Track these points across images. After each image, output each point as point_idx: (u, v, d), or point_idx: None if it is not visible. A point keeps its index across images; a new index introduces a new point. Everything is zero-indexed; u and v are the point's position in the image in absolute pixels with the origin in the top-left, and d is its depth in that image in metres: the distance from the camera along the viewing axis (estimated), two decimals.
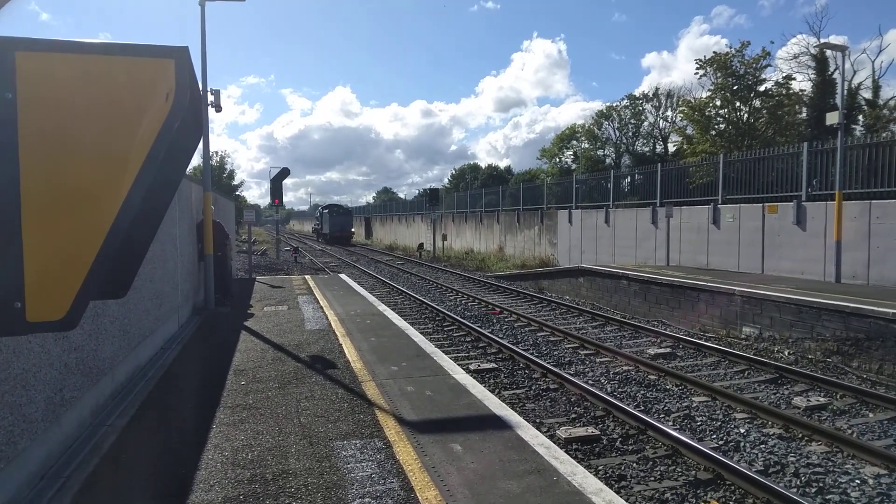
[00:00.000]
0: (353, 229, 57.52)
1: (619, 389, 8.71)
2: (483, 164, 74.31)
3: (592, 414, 7.59)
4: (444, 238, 37.63)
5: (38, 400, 4.23)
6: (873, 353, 9.65)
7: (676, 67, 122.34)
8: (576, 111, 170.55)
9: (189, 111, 1.51)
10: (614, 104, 52.27)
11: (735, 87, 33.63)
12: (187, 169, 1.99)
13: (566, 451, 5.62)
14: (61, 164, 1.38)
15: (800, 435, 6.80)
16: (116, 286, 1.71)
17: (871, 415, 7.61)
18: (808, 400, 8.01)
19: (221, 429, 5.34)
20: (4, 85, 1.33)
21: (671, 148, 45.85)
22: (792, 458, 6.16)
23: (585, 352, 11.07)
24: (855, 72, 33.02)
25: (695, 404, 7.95)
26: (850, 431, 7.01)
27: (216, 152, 53.99)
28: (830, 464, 6.05)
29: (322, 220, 60.51)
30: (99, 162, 1.40)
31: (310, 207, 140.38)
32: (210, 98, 13.09)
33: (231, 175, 56.12)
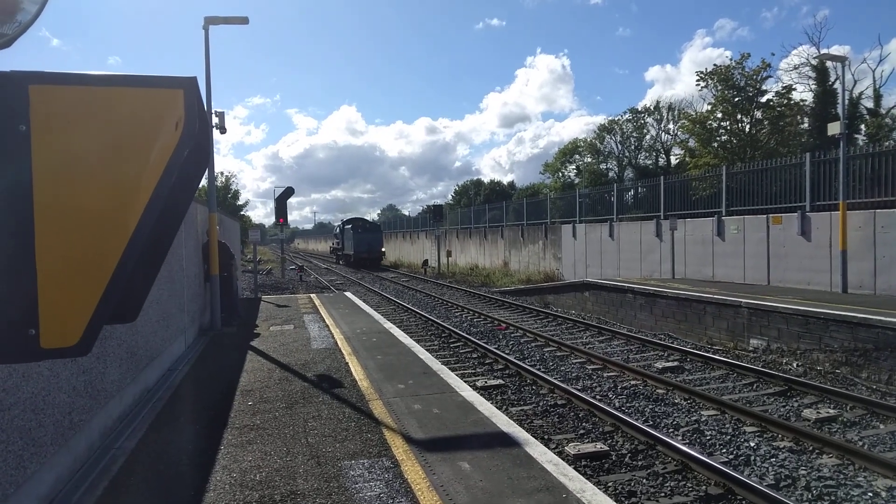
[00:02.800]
0: (383, 248, 46.23)
1: (628, 404, 8.67)
2: (487, 180, 74.48)
3: (601, 429, 7.55)
4: (449, 254, 37.66)
5: (47, 424, 4.25)
6: (882, 364, 9.59)
7: (680, 80, 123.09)
8: (580, 125, 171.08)
9: (198, 138, 1.55)
10: (616, 118, 52.54)
11: (736, 99, 33.77)
12: (195, 192, 2.03)
13: (575, 468, 5.59)
14: (74, 193, 1.41)
15: (810, 448, 6.75)
16: (127, 311, 1.73)
17: (881, 426, 7.56)
18: (818, 412, 7.96)
19: (229, 450, 5.34)
20: (19, 118, 1.37)
21: (673, 161, 45.98)
22: (803, 472, 6.11)
23: (592, 367, 11.04)
24: (856, 81, 33.18)
25: (704, 418, 7.90)
26: (861, 443, 6.95)
27: (221, 172, 54.46)
28: (842, 476, 6.00)
29: (343, 237, 49.04)
30: (111, 191, 1.43)
31: (314, 226, 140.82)
32: (215, 120, 13.23)
33: (236, 195, 56.51)
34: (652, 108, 50.61)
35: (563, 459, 5.45)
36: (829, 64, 30.21)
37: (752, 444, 6.91)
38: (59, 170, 1.39)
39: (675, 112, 47.75)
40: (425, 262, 38.73)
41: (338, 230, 54.11)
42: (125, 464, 5.08)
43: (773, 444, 6.94)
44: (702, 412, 8.16)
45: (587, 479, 4.83)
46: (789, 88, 33.58)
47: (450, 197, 79.33)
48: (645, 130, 51.58)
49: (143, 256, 1.53)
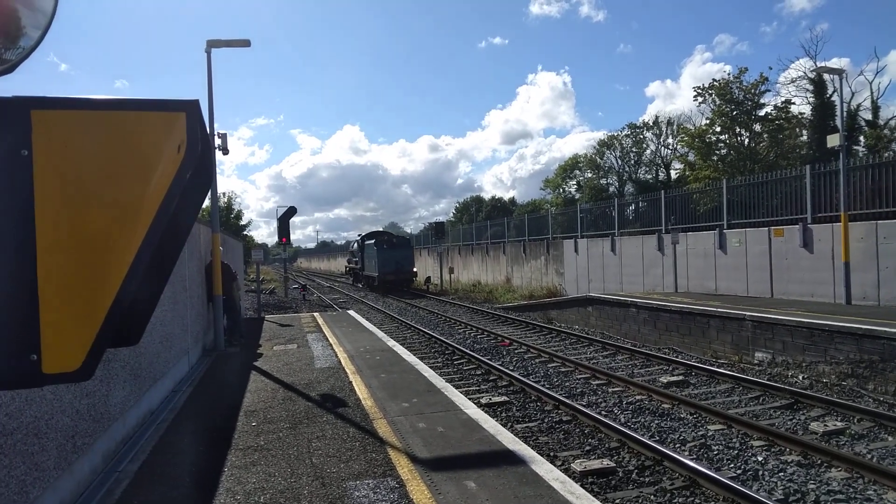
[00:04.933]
0: (415, 268, 37.47)
1: (633, 419, 8.61)
2: (489, 196, 74.66)
3: (607, 445, 7.49)
4: (451, 271, 37.64)
5: (50, 448, 4.22)
6: (889, 376, 9.52)
7: (680, 95, 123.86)
8: (581, 141, 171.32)
9: (200, 160, 1.55)
10: (615, 133, 52.80)
11: (734, 113, 33.91)
12: (198, 214, 2.03)
13: (582, 485, 5.53)
14: (76, 218, 1.41)
15: (819, 461, 6.68)
16: (130, 334, 1.73)
17: (890, 438, 7.49)
18: (826, 425, 7.89)
19: (233, 471, 5.30)
20: (21, 142, 1.37)
21: (673, 175, 46.09)
22: (812, 486, 6.05)
23: (597, 382, 10.97)
24: (853, 93, 33.27)
25: (710, 433, 7.84)
26: (870, 456, 6.88)
27: (223, 193, 54.52)
28: (852, 490, 5.93)
29: (363, 255, 39.81)
30: (113, 214, 1.43)
31: (317, 245, 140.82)
32: (217, 142, 13.29)
33: (238, 215, 56.57)
34: (651, 122, 50.87)
35: (570, 477, 5.39)
36: (826, 77, 30.36)
37: (760, 459, 6.85)
38: (61, 194, 1.39)
39: (674, 126, 47.98)
40: (428, 279, 38.70)
41: (355, 246, 43.91)
42: (129, 487, 5.04)
43: (781, 458, 6.87)
44: (708, 427, 8.09)
45: (594, 496, 4.79)
46: (788, 102, 33.76)
47: (451, 214, 79.47)
48: (644, 145, 51.82)
49: (146, 279, 1.52)
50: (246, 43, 12.27)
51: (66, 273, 1.40)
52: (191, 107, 1.48)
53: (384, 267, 34.97)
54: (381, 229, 47.19)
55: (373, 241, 37.96)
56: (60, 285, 1.40)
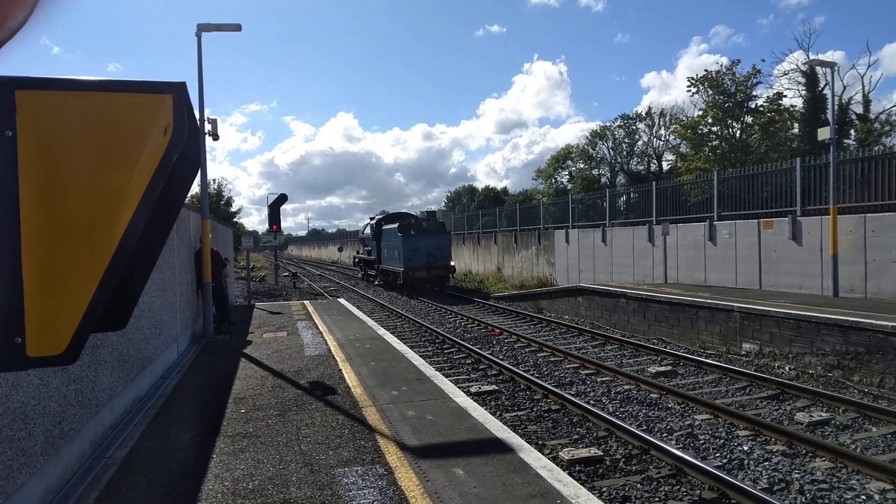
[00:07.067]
0: (452, 261, 28.26)
1: (621, 409, 8.67)
2: (482, 186, 74.43)
3: (595, 434, 7.55)
4: None
5: (37, 433, 4.20)
6: (874, 367, 9.62)
7: (675, 86, 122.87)
8: (575, 131, 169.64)
9: (187, 144, 1.54)
10: (608, 124, 52.78)
11: (726, 105, 33.98)
12: (185, 198, 2.01)
13: (569, 473, 5.58)
14: (61, 200, 1.39)
15: (803, 451, 6.76)
16: (116, 318, 1.72)
17: (874, 429, 7.58)
18: (811, 415, 7.98)
19: (222, 458, 5.30)
20: (5, 123, 1.35)
21: (665, 166, 46.19)
22: (796, 475, 6.12)
23: (586, 371, 11.04)
24: (845, 87, 33.41)
25: (697, 422, 7.91)
26: (853, 446, 6.97)
27: (213, 180, 54.07)
28: (835, 480, 6.01)
29: (380, 244, 30.46)
30: (99, 196, 1.41)
31: (308, 233, 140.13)
32: (207, 127, 13.20)
33: (229, 202, 56.13)
34: (644, 114, 50.88)
35: (558, 465, 5.43)
36: (819, 70, 30.47)
37: (746, 448, 6.92)
38: (45, 175, 1.37)
39: (667, 118, 48.02)
40: None
41: (368, 231, 33.54)
42: (116, 473, 5.03)
43: (767, 447, 6.94)
44: (695, 416, 8.16)
45: (581, 484, 4.82)
46: (779, 94, 33.85)
47: (444, 203, 79.30)
48: (637, 136, 51.84)
49: (132, 263, 1.51)
50: (237, 27, 12.16)
51: (50, 255, 1.39)
52: (177, 89, 1.46)
53: (411, 261, 26.29)
54: (402, 211, 35.97)
55: (395, 226, 27.89)
56: (45, 268, 1.39)
